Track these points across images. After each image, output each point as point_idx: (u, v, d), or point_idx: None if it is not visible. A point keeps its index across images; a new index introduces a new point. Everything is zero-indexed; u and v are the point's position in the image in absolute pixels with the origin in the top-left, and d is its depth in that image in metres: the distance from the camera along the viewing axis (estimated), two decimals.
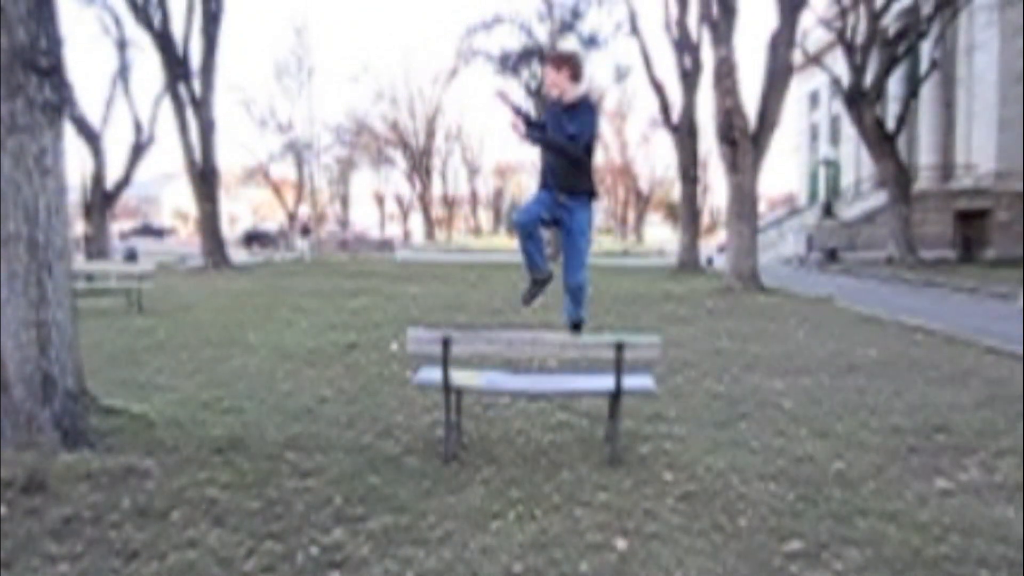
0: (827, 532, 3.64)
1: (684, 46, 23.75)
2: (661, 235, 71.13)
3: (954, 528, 3.69)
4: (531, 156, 53.40)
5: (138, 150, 25.01)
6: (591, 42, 36.10)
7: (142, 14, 22.12)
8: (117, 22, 24.04)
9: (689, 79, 24.02)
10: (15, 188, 4.34)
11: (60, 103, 4.54)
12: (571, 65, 4.59)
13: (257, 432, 5.20)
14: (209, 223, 24.39)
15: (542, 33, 34.30)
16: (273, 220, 61.69)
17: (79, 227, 24.49)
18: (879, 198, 30.44)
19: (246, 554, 3.37)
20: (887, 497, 4.12)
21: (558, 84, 4.54)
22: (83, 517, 3.64)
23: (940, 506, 3.99)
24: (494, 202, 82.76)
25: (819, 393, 6.65)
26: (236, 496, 3.98)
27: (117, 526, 3.58)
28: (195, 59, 23.46)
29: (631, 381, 4.77)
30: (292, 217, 47.31)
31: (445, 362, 4.57)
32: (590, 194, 4.74)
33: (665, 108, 25.21)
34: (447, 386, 4.67)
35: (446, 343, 4.54)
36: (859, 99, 26.07)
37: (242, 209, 78.60)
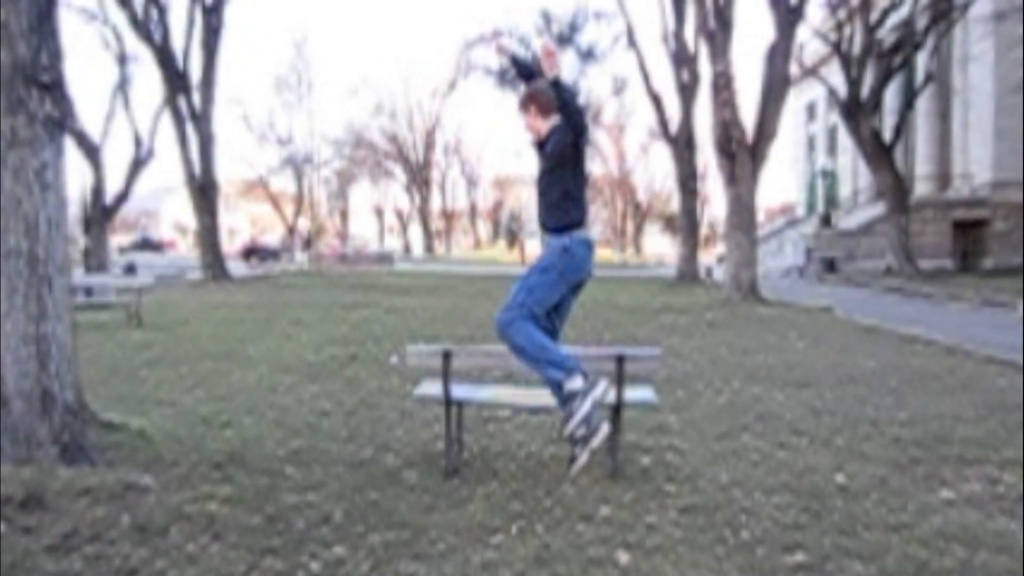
0: (830, 544, 3.63)
1: (682, 59, 23.85)
2: (660, 246, 71.16)
3: (957, 540, 3.68)
4: (530, 168, 53.56)
5: (138, 164, 25.01)
6: (589, 55, 36.32)
7: (142, 28, 22.20)
8: (117, 36, 24.12)
9: (687, 91, 24.12)
10: (15, 203, 4.33)
11: (61, 118, 4.54)
12: (536, 103, 4.21)
13: (257, 447, 5.18)
14: (208, 236, 24.40)
15: (540, 46, 34.47)
16: (273, 233, 61.74)
17: (80, 241, 24.47)
18: (877, 208, 30.49)
19: (246, 570, 3.34)
20: (890, 509, 4.10)
21: (533, 127, 4.23)
22: (82, 533, 3.62)
23: (943, 518, 3.97)
24: (493, 214, 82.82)
25: (820, 404, 6.64)
26: (236, 512, 3.95)
27: (116, 542, 3.56)
28: (195, 73, 23.53)
29: (632, 393, 4.75)
30: (292, 230, 47.35)
31: (446, 375, 4.55)
32: (569, 226, 4.05)
33: (663, 120, 25.28)
34: (448, 400, 4.65)
35: (446, 356, 4.53)
36: (856, 111, 26.15)
37: (241, 222, 78.67)
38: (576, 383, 3.78)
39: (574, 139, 4.07)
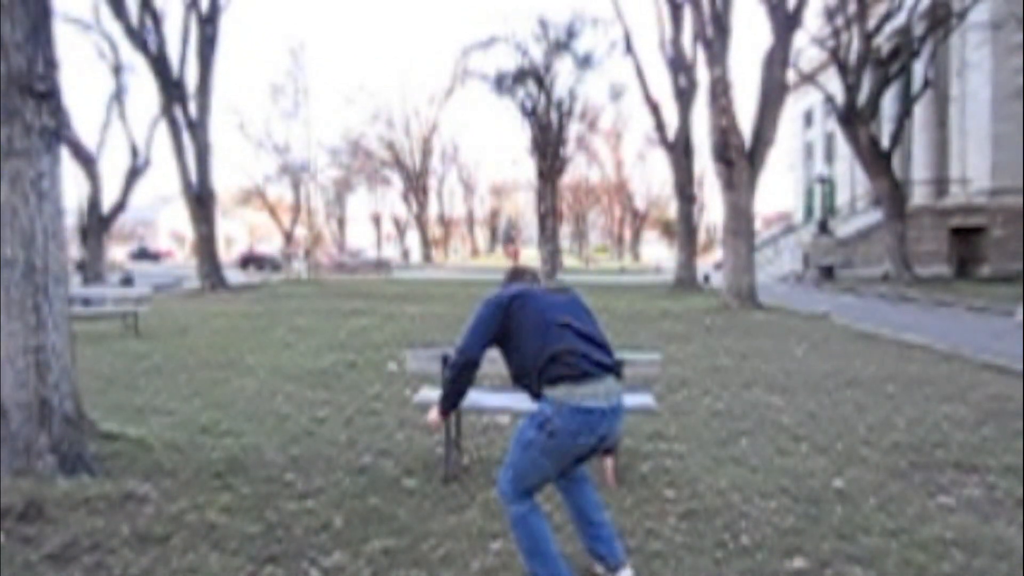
0: (830, 549, 3.63)
1: (679, 65, 23.93)
2: (658, 253, 71.31)
3: (956, 545, 3.68)
4: (527, 175, 53.62)
5: (134, 173, 24.98)
6: (586, 61, 36.37)
7: (138, 38, 22.19)
8: (113, 46, 24.11)
9: (684, 98, 24.19)
10: (12, 213, 4.34)
11: (57, 127, 4.55)
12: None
13: (256, 454, 5.18)
14: (206, 245, 24.36)
15: (537, 53, 34.53)
16: (270, 241, 61.78)
17: (81, 252, 24.42)
18: (874, 215, 30.56)
19: None
20: (889, 514, 4.11)
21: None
22: (81, 543, 3.61)
23: (942, 523, 3.98)
24: (490, 222, 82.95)
25: (818, 410, 6.64)
26: (235, 520, 3.95)
27: (116, 552, 3.55)
28: (191, 82, 23.53)
29: (631, 399, 4.75)
30: (289, 238, 47.34)
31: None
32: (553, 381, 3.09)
33: (661, 127, 25.34)
34: None
35: (445, 361, 4.53)
36: (853, 117, 26.22)
37: (239, 231, 78.68)
38: None
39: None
